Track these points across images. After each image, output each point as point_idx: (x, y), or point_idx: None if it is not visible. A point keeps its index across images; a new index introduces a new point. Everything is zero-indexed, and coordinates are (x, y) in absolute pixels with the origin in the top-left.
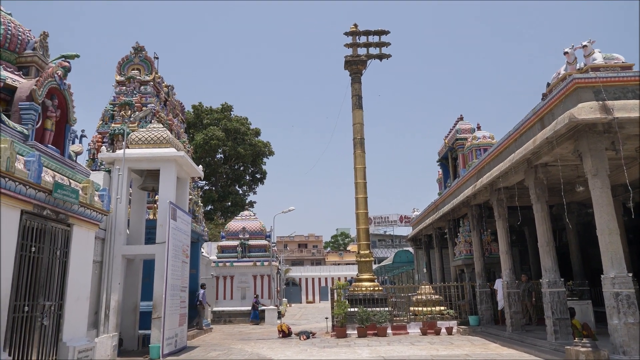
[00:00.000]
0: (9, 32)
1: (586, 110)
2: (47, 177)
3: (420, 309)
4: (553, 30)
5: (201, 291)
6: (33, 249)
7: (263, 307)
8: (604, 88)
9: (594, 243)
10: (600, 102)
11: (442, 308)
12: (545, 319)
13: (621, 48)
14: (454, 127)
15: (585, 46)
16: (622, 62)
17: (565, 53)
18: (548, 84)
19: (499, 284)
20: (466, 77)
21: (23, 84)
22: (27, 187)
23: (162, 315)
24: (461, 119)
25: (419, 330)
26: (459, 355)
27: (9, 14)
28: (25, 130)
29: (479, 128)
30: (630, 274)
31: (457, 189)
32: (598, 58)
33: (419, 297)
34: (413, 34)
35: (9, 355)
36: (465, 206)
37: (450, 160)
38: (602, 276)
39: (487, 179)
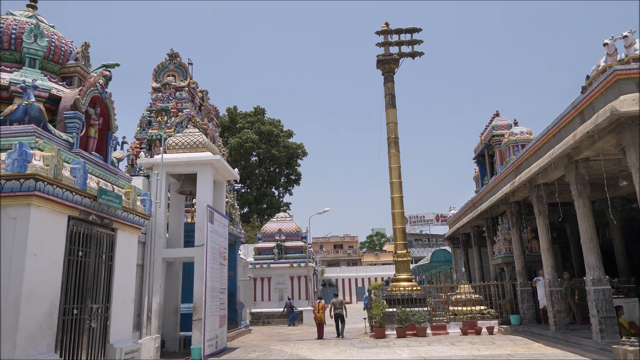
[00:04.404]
0: (53, 44)
1: (628, 103)
2: (92, 183)
3: (459, 308)
4: (591, 22)
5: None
6: (80, 253)
7: (300, 309)
8: None
9: (639, 239)
10: None
11: (482, 307)
12: (590, 318)
13: None
14: (489, 123)
15: (626, 37)
16: None
17: (605, 44)
18: (587, 77)
19: (540, 282)
20: (500, 72)
21: (67, 93)
22: (74, 193)
23: (202, 317)
24: (497, 115)
25: (459, 330)
26: (502, 355)
27: (52, 27)
28: (70, 139)
29: (515, 124)
30: None
31: (494, 186)
32: None
33: (459, 296)
34: (445, 32)
35: (60, 356)
36: (503, 203)
37: (486, 158)
38: None
39: (526, 176)
